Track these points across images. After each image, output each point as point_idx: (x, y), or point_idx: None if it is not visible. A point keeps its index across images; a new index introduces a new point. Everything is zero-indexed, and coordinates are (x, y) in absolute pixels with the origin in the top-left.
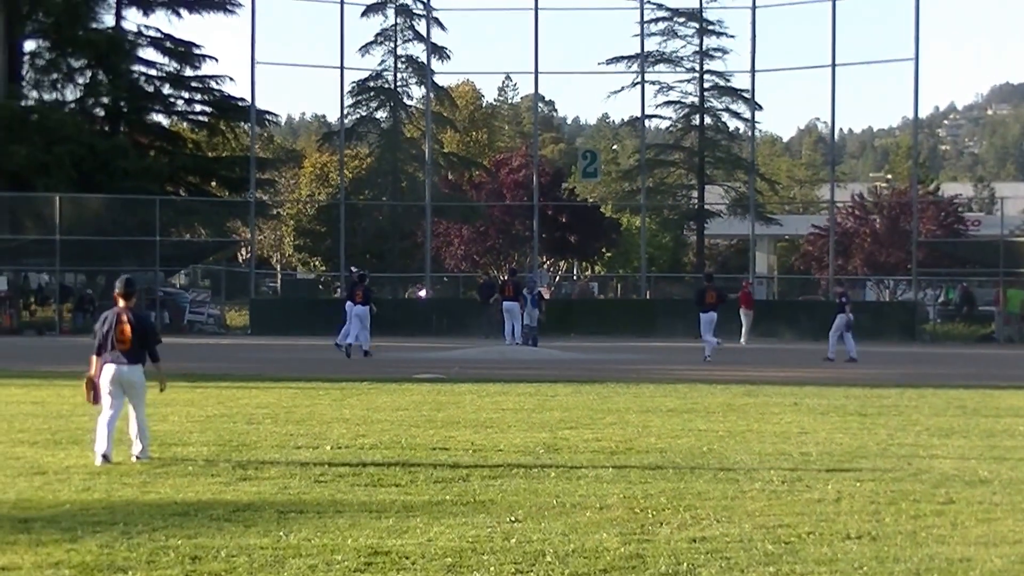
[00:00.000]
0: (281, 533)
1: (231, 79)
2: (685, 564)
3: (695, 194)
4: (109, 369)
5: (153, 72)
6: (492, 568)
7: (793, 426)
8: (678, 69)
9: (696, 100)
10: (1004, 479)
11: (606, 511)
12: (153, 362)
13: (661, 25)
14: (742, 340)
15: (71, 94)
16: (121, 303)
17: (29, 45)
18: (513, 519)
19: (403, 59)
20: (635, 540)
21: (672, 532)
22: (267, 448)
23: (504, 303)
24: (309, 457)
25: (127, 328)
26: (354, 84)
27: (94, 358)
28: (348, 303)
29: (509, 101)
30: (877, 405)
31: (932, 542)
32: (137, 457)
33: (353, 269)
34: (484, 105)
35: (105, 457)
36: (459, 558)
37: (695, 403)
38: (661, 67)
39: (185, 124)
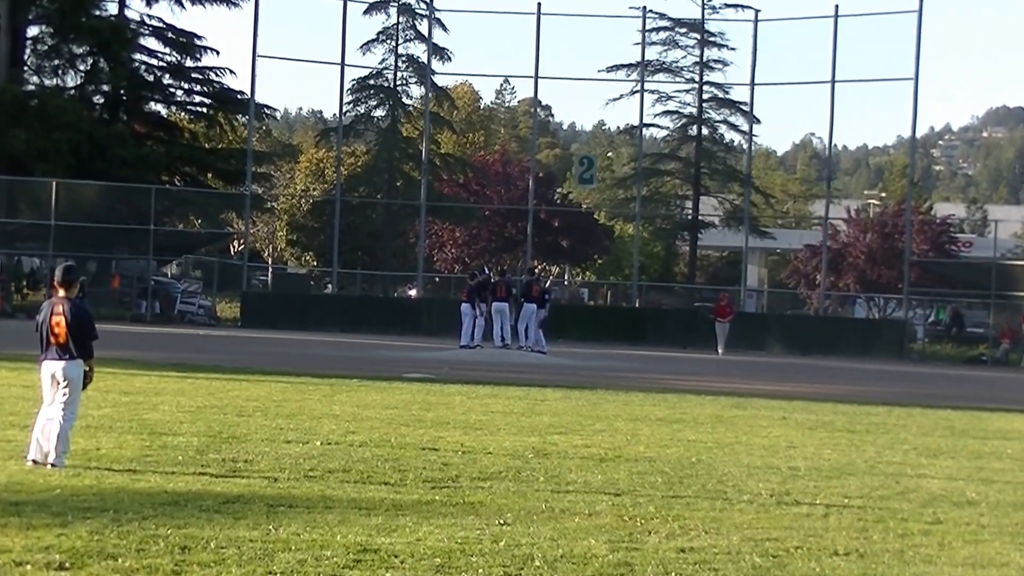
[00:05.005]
0: (270, 527)
1: (231, 71)
2: (673, 574)
3: (689, 204)
4: (46, 366)
5: (154, 62)
6: (481, 570)
7: (781, 440)
8: (677, 79)
9: (694, 111)
10: (992, 501)
11: (595, 518)
12: (84, 359)
13: (662, 35)
14: (719, 351)
15: (72, 80)
16: (60, 293)
17: (32, 30)
18: (502, 522)
19: (404, 58)
20: (623, 548)
21: (660, 541)
22: (257, 441)
23: (495, 304)
24: (299, 452)
25: (61, 321)
26: (354, 81)
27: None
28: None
29: (506, 104)
30: (865, 422)
31: (919, 562)
32: (52, 465)
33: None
34: (482, 107)
35: (35, 463)
36: (448, 559)
37: (684, 413)
38: (660, 76)
39: (184, 115)
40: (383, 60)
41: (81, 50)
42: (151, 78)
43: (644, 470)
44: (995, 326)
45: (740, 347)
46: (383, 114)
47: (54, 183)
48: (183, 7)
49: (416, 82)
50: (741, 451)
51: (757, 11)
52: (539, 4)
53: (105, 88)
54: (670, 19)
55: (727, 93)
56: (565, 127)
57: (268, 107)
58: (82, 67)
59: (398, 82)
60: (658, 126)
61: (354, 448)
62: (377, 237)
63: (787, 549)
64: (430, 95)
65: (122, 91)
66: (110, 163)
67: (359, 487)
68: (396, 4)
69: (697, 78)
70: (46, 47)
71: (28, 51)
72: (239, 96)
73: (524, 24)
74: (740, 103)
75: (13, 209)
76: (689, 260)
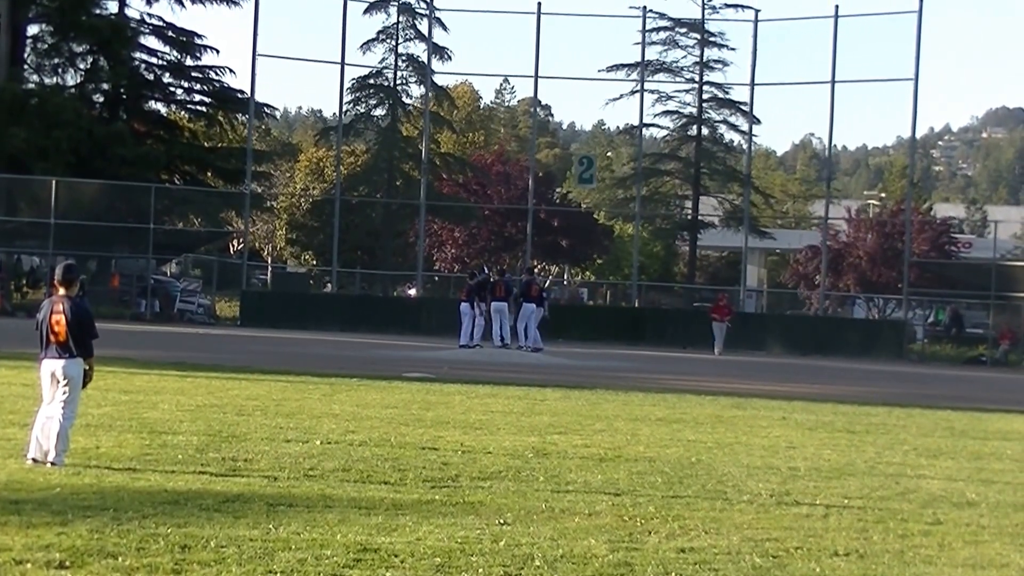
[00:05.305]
0: (270, 526)
1: (231, 70)
2: (674, 574)
3: (689, 204)
4: (46, 365)
5: (154, 60)
6: (481, 570)
7: (781, 440)
8: (677, 79)
9: (694, 111)
10: (992, 502)
11: (595, 518)
12: (84, 358)
13: (662, 35)
14: (715, 351)
15: (72, 79)
16: (61, 291)
17: (32, 29)
18: (502, 522)
19: (404, 58)
20: (623, 548)
21: (660, 541)
22: (257, 440)
23: (494, 303)
24: (299, 451)
25: (61, 319)
26: (354, 81)
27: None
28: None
29: (506, 104)
30: (865, 423)
31: (919, 562)
32: (52, 463)
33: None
34: (482, 107)
35: (35, 461)
36: (448, 558)
37: (684, 413)
38: (660, 76)
39: (184, 113)
40: (383, 59)
41: (81, 48)
42: (151, 77)
43: (644, 470)
44: (995, 327)
45: (740, 347)
46: (383, 113)
47: (54, 181)
48: (183, 6)
49: (416, 81)
50: (741, 451)
51: (757, 11)
52: (539, 4)
53: (105, 87)
54: (670, 19)
55: (727, 93)
56: (565, 127)
57: (268, 106)
58: (82, 66)
59: (398, 81)
60: (658, 126)
61: (354, 447)
62: (376, 236)
63: (787, 549)
64: (430, 94)
65: (122, 90)
66: (110, 162)
67: (359, 486)
68: (396, 3)
69: (697, 78)
70: (46, 45)
71: (28, 49)
72: (239, 95)
73: (524, 24)
74: (740, 103)
75: (13, 207)
76: (689, 260)
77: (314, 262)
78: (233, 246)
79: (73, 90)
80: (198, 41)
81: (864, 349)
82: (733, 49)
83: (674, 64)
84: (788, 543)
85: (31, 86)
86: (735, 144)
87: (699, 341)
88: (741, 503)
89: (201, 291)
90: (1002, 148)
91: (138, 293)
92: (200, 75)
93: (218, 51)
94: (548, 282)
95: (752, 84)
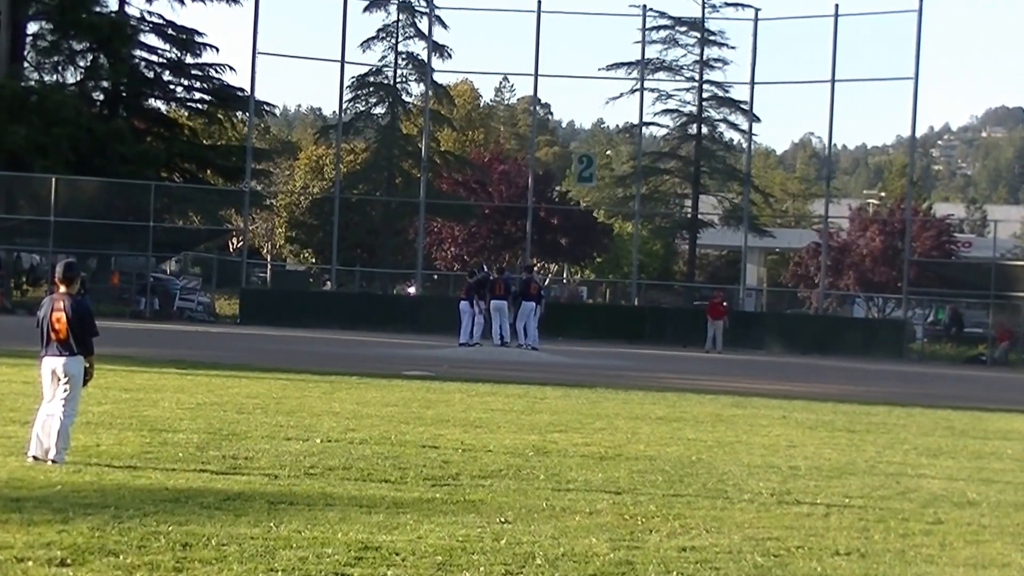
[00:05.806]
0: (271, 524)
1: (231, 68)
2: (675, 573)
3: (688, 203)
4: (46, 362)
5: (154, 58)
6: (482, 568)
7: (782, 439)
8: (677, 78)
9: (694, 109)
10: (992, 502)
11: (596, 516)
12: (85, 355)
13: (662, 33)
14: (706, 348)
15: (72, 77)
16: (61, 289)
17: (32, 26)
18: (503, 520)
19: (404, 56)
20: (624, 546)
21: (661, 540)
22: (257, 438)
23: (493, 302)
24: (299, 449)
25: (62, 317)
26: (354, 79)
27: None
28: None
29: (505, 102)
30: (865, 422)
31: (921, 562)
32: (53, 461)
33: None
34: (482, 105)
35: (36, 458)
36: (449, 556)
37: (684, 412)
38: (660, 75)
39: (183, 111)
40: (383, 57)
41: (81, 46)
42: (151, 74)
43: (644, 468)
44: (994, 326)
45: (740, 346)
46: (383, 111)
47: (54, 179)
48: (183, 3)
49: (416, 79)
50: (741, 450)
51: (757, 10)
52: (539, 2)
53: (105, 84)
54: (670, 17)
55: (727, 92)
56: (564, 125)
57: (268, 104)
58: (82, 63)
59: (398, 79)
60: (658, 124)
61: (354, 446)
62: (376, 234)
63: (788, 548)
64: (430, 92)
65: (122, 87)
66: (110, 159)
67: (360, 485)
68: (396, 1)
69: (697, 77)
70: (46, 43)
71: (28, 47)
72: (239, 93)
73: (524, 22)
74: (740, 102)
75: (13, 205)
76: (688, 259)
77: (313, 260)
78: (233, 244)
79: (73, 88)
80: (198, 39)
81: (864, 348)
82: (733, 48)
83: (674, 63)
84: (789, 542)
85: (31, 83)
86: (735, 143)
87: (699, 340)
88: (742, 502)
89: (201, 289)
90: (1002, 147)
91: (138, 291)
92: (200, 73)
93: (218, 49)
94: (548, 280)
95: (752, 83)
